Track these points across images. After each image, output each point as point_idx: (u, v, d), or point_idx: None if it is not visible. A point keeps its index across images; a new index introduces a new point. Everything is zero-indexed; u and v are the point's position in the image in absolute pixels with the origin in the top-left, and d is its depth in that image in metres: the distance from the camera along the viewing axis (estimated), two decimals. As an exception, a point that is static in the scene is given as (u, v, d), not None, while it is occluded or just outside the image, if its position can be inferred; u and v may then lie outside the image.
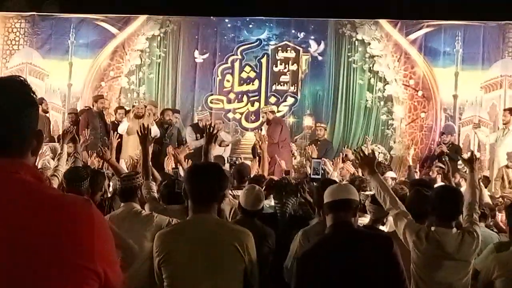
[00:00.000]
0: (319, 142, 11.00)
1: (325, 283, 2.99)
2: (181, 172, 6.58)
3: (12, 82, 1.56)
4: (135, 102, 11.76)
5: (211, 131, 4.98)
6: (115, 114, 11.29)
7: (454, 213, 3.79)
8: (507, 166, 10.07)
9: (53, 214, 1.43)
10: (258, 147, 8.48)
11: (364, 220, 4.78)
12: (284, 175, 7.80)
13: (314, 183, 6.13)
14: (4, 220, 1.41)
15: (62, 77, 12.44)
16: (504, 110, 11.07)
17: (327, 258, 3.03)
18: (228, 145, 11.09)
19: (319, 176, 6.91)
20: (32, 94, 1.55)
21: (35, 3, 12.44)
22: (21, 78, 1.59)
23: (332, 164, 8.21)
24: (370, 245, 3.03)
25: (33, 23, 12.45)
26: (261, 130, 11.63)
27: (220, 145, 10.59)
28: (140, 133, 5.09)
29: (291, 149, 10.77)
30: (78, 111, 11.38)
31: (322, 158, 8.45)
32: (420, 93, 12.22)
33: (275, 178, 6.89)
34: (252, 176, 6.57)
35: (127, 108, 11.19)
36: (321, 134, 11.30)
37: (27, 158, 1.56)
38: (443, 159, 8.82)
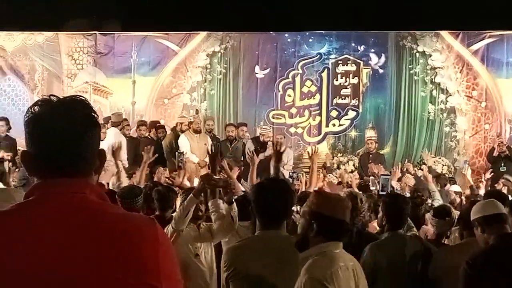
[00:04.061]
0: (370, 156, 12.56)
1: None
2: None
3: (74, 103, 1.77)
4: (192, 118, 13.52)
5: (278, 149, 5.99)
6: (156, 131, 12.90)
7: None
8: None
9: (118, 233, 1.64)
10: (309, 158, 9.30)
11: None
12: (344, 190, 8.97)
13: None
14: (70, 239, 1.61)
15: (126, 95, 14.28)
16: None
17: (499, 268, 3.53)
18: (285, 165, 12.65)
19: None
20: (93, 114, 1.78)
21: (97, 22, 14.40)
22: (82, 98, 1.81)
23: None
24: None
25: (96, 42, 14.37)
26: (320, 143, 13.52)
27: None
28: (210, 152, 6.35)
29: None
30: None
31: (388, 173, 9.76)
32: (483, 104, 13.76)
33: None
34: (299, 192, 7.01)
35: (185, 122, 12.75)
36: (372, 148, 12.76)
37: (90, 177, 1.78)
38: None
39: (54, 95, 1.79)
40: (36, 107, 1.75)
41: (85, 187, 1.73)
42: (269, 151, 11.74)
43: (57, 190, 1.71)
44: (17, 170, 10.21)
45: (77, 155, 1.73)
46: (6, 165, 8.86)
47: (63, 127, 1.71)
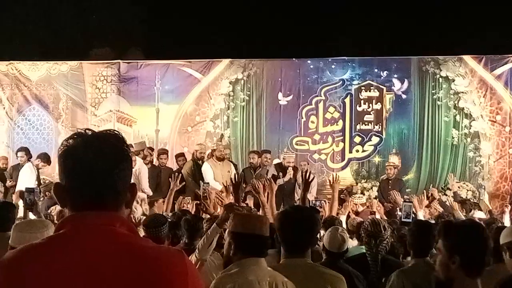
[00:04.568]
0: (390, 181, 12.66)
1: None
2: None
3: (107, 137, 1.84)
4: (215, 145, 13.70)
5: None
6: (176, 160, 13.25)
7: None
8: None
9: (148, 267, 1.69)
10: (330, 186, 9.36)
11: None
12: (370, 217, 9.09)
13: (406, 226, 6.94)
14: (101, 273, 1.68)
15: (150, 123, 14.53)
16: None
17: None
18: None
19: (410, 220, 7.74)
20: (125, 147, 1.84)
21: (120, 51, 14.76)
22: (116, 132, 1.88)
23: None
24: None
25: (119, 70, 14.64)
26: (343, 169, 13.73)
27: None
28: (233, 181, 6.19)
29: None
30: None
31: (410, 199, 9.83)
32: (507, 128, 13.85)
33: (358, 218, 7.96)
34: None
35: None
36: (391, 173, 12.81)
37: (121, 211, 1.84)
38: None
39: (89, 129, 1.87)
40: (70, 140, 1.83)
41: (115, 220, 1.78)
42: (289, 176, 12.01)
43: (87, 224, 1.77)
44: (41, 199, 10.45)
45: (108, 188, 1.79)
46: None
47: (94, 159, 1.77)
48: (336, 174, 9.89)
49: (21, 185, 11.32)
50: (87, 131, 1.86)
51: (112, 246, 1.72)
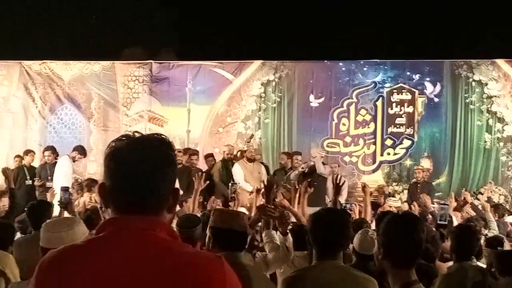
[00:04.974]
0: (418, 185, 12.71)
1: None
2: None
3: (152, 140, 1.85)
4: (245, 147, 13.73)
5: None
6: (206, 160, 13.36)
7: None
8: None
9: (187, 273, 1.70)
10: (362, 190, 9.40)
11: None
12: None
13: (441, 229, 7.22)
14: (139, 277, 1.70)
15: (181, 124, 14.69)
16: None
17: None
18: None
19: (446, 223, 7.85)
20: (170, 152, 1.85)
21: (153, 51, 14.96)
22: (163, 136, 1.88)
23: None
24: None
25: (151, 71, 14.83)
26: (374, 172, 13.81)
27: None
28: (266, 184, 6.10)
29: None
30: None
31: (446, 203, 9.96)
32: (540, 132, 13.97)
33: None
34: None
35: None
36: (420, 177, 12.89)
37: (162, 215, 1.85)
38: None
39: (137, 132, 1.90)
40: (116, 142, 1.86)
41: (156, 224, 1.79)
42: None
43: (127, 228, 1.79)
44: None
45: (150, 191, 1.80)
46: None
47: (137, 163, 1.79)
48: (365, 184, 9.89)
49: (57, 179, 11.56)
50: (134, 133, 1.89)
51: (152, 251, 1.73)
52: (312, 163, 12.47)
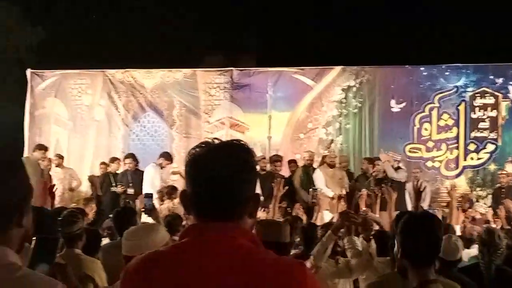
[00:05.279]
0: (503, 190, 12.64)
1: None
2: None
3: (233, 147, 1.88)
4: (327, 151, 13.89)
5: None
6: (289, 166, 13.54)
7: None
8: None
9: (268, 279, 1.73)
10: (447, 194, 9.75)
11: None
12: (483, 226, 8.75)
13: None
14: (221, 284, 1.73)
15: (262, 130, 14.87)
16: None
17: None
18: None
19: None
20: (251, 159, 1.88)
21: (233, 59, 15.25)
22: (242, 142, 1.90)
23: None
24: None
25: (232, 77, 15.05)
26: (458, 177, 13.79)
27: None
28: (347, 190, 6.59)
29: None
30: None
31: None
32: None
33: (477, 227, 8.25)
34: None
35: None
36: (505, 181, 12.82)
37: (243, 221, 1.87)
38: None
39: (217, 139, 1.93)
40: (197, 148, 1.89)
41: (236, 231, 1.82)
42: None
43: (208, 234, 1.82)
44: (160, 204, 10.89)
45: (229, 198, 1.83)
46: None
47: (217, 169, 1.81)
48: (454, 182, 9.92)
49: (145, 187, 11.89)
50: (214, 140, 1.92)
51: (233, 257, 1.76)
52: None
